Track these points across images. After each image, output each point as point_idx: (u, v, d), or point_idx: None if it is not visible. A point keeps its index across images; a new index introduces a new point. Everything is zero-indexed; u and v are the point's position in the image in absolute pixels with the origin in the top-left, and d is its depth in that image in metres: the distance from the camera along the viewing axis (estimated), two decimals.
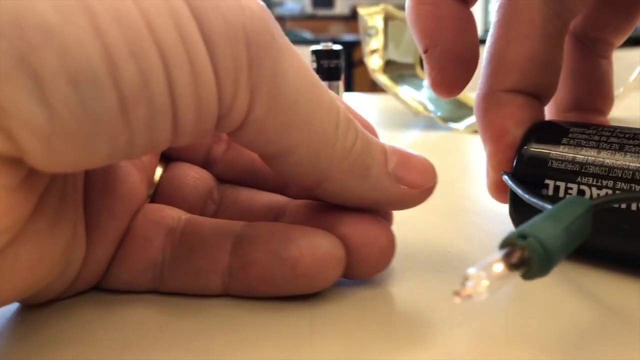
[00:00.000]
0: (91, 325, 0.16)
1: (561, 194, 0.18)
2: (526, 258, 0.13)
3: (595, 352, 0.14)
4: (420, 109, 0.48)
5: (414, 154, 0.17)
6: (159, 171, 0.20)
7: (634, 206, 0.17)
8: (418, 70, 0.57)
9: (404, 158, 0.17)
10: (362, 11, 0.55)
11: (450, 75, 0.21)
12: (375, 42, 0.53)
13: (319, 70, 0.39)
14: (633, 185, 0.17)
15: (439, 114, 0.48)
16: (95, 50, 0.11)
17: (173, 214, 0.18)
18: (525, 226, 0.13)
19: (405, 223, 0.24)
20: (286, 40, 0.15)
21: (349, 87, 2.39)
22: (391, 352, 0.14)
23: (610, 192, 0.17)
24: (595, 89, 0.26)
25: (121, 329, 0.16)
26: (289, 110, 0.15)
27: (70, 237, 0.15)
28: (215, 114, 0.14)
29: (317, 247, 0.16)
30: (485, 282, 0.12)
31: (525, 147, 0.19)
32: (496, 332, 0.15)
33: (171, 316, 0.16)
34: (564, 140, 0.19)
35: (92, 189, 0.17)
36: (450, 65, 0.21)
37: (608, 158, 0.17)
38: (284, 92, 0.14)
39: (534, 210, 0.16)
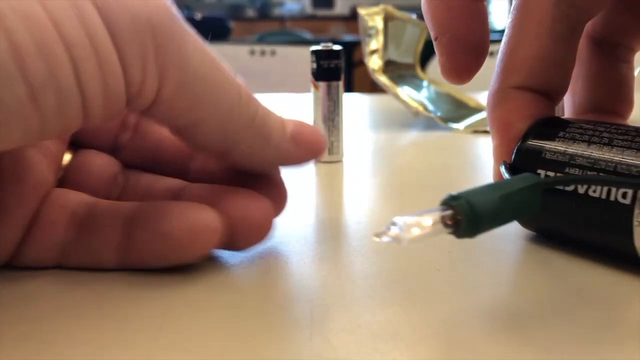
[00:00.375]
0: (91, 325, 0.16)
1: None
2: (457, 218, 0.14)
3: (594, 352, 0.14)
4: (420, 109, 0.48)
5: (306, 123, 0.20)
6: (67, 157, 0.21)
7: (612, 196, 0.17)
8: (418, 70, 0.57)
9: (299, 126, 0.20)
10: (362, 11, 0.55)
11: (458, 62, 0.23)
12: (375, 43, 0.53)
13: (319, 70, 0.39)
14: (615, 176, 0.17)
15: (438, 114, 0.48)
16: (3, 47, 0.13)
17: (77, 198, 0.20)
18: (465, 190, 0.14)
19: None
20: (188, 27, 0.17)
21: (349, 88, 2.39)
22: (391, 352, 0.14)
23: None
24: (614, 92, 0.26)
25: (121, 329, 0.16)
26: (196, 87, 0.17)
27: None
28: (123, 98, 0.16)
29: (191, 220, 0.18)
30: (415, 230, 0.14)
31: (524, 141, 0.20)
32: (496, 333, 0.15)
33: (171, 316, 0.16)
34: (560, 134, 0.20)
35: (1, 176, 0.18)
36: (459, 52, 0.23)
37: (595, 151, 0.18)
38: (191, 73, 0.16)
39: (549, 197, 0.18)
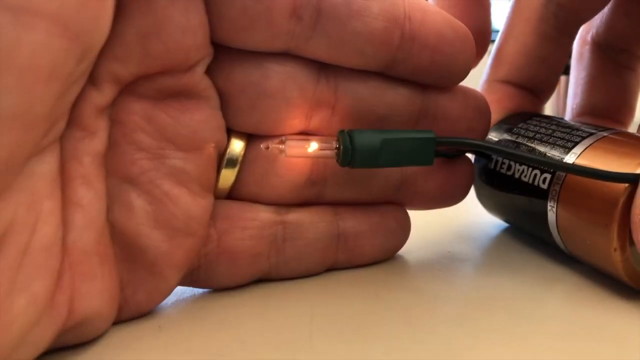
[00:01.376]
0: None
1: (498, 167, 0.21)
2: (338, 147, 0.17)
3: (594, 351, 0.14)
4: None
5: None
6: (238, 147, 0.17)
7: (536, 181, 0.19)
8: None
9: None
10: None
11: None
12: None
13: None
14: (538, 166, 0.19)
15: None
16: None
17: (268, 219, 0.18)
18: (359, 129, 0.17)
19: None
20: None
21: None
22: (391, 352, 0.14)
23: (525, 169, 0.20)
24: (613, 97, 0.26)
25: (121, 329, 0.16)
26: None
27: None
28: None
29: (406, 230, 0.20)
30: (300, 150, 0.17)
31: (490, 130, 0.22)
32: (496, 332, 0.15)
33: (170, 316, 0.16)
34: (516, 128, 0.21)
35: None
36: None
37: (533, 144, 0.20)
38: None
39: (488, 184, 0.22)
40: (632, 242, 0.16)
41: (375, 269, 0.20)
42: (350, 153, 0.16)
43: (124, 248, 0.16)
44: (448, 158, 0.20)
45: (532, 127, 0.21)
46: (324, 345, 0.15)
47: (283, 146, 0.16)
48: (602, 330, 0.15)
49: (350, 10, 0.16)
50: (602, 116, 0.26)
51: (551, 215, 0.19)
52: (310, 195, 0.19)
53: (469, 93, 0.19)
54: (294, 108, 0.17)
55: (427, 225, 0.24)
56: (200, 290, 0.18)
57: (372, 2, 0.16)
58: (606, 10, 0.25)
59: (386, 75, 0.18)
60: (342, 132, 0.17)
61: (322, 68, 0.17)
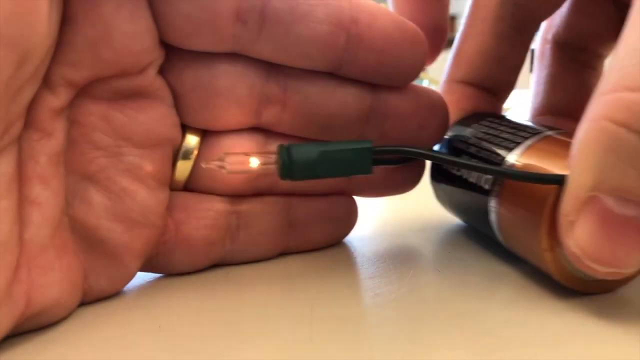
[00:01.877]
0: (91, 325, 0.16)
1: (449, 167, 0.22)
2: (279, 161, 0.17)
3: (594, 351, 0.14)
4: None
5: None
6: (192, 142, 0.18)
7: (481, 182, 0.19)
8: None
9: None
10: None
11: None
12: None
13: None
14: (484, 164, 0.19)
15: None
16: None
17: (222, 209, 0.19)
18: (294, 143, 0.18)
19: (405, 223, 0.24)
20: None
21: None
22: (391, 352, 0.14)
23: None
24: (573, 96, 0.26)
25: (121, 329, 0.16)
26: None
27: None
28: None
29: (352, 218, 0.22)
30: (241, 166, 0.17)
31: (449, 130, 0.22)
32: (496, 332, 0.15)
33: (171, 316, 0.16)
34: (472, 126, 0.21)
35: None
36: None
37: (481, 145, 0.20)
38: None
39: (442, 183, 0.22)
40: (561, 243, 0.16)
41: (374, 269, 0.20)
42: (288, 166, 0.17)
43: (86, 240, 0.17)
44: (391, 165, 0.20)
45: (483, 127, 0.21)
46: (324, 345, 0.15)
47: (223, 163, 0.17)
48: (539, 331, 0.15)
49: (295, 15, 0.17)
50: (562, 115, 0.26)
51: (493, 216, 0.19)
52: (263, 186, 0.20)
53: (421, 91, 0.20)
54: (243, 105, 0.18)
55: (427, 226, 0.24)
56: (200, 291, 0.18)
57: (317, 6, 0.17)
58: (565, 9, 0.25)
59: (335, 75, 0.18)
60: (281, 146, 0.17)
61: (272, 67, 0.18)
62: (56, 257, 0.16)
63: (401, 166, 0.21)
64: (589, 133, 0.14)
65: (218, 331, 0.16)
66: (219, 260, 0.20)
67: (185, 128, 0.18)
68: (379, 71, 0.18)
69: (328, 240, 0.21)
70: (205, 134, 0.19)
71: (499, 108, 0.24)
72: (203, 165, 0.18)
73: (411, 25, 0.18)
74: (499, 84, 0.23)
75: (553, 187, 0.16)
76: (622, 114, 0.13)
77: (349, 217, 0.22)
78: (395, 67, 0.18)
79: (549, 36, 0.26)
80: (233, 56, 0.17)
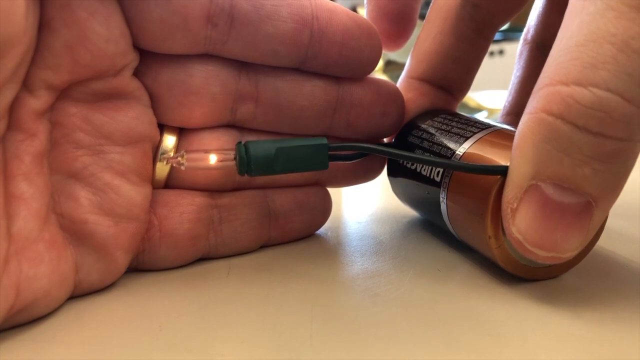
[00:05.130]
0: (91, 325, 0.16)
1: (403, 161, 0.22)
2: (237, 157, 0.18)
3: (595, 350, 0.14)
4: None
5: None
6: (170, 142, 0.19)
7: (432, 175, 0.20)
8: None
9: None
10: (362, 11, 0.55)
11: (381, 29, 0.24)
12: None
13: None
14: (432, 157, 0.20)
15: None
16: None
17: (204, 204, 0.20)
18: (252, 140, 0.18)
19: (405, 223, 0.24)
20: None
21: None
22: (391, 352, 0.14)
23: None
24: None
25: (121, 329, 0.16)
26: None
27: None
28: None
29: (327, 207, 0.23)
30: (200, 163, 0.18)
31: (404, 126, 0.23)
32: (496, 332, 0.15)
33: (171, 316, 0.16)
34: (427, 122, 0.22)
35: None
36: (380, 19, 0.24)
37: (433, 139, 0.21)
38: None
39: (397, 177, 0.23)
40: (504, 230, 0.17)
41: (375, 269, 0.20)
42: (245, 162, 0.18)
43: (74, 235, 0.17)
44: (346, 161, 0.21)
45: (436, 123, 0.22)
46: (324, 345, 0.15)
47: (182, 160, 0.18)
48: (539, 328, 0.15)
49: (261, 15, 0.18)
50: None
51: (443, 206, 0.20)
52: (242, 180, 0.21)
53: (380, 82, 0.22)
54: (218, 103, 0.19)
55: (427, 225, 0.24)
56: (200, 291, 0.18)
57: (281, 6, 0.18)
58: (542, 9, 0.25)
59: (302, 70, 0.20)
60: (239, 143, 0.18)
61: (243, 66, 0.19)
62: (46, 250, 0.16)
63: (362, 161, 0.22)
64: (528, 125, 0.15)
65: (218, 331, 0.16)
66: (205, 254, 0.20)
67: (163, 128, 0.19)
68: (341, 63, 0.20)
69: (307, 229, 0.22)
70: (183, 133, 0.19)
71: (455, 106, 0.25)
72: (164, 163, 0.19)
73: (366, 20, 0.20)
74: (455, 83, 0.24)
75: (497, 177, 0.17)
76: (557, 106, 0.14)
77: (324, 206, 0.23)
78: (356, 58, 0.20)
79: (528, 37, 0.26)
80: (205, 57, 0.18)
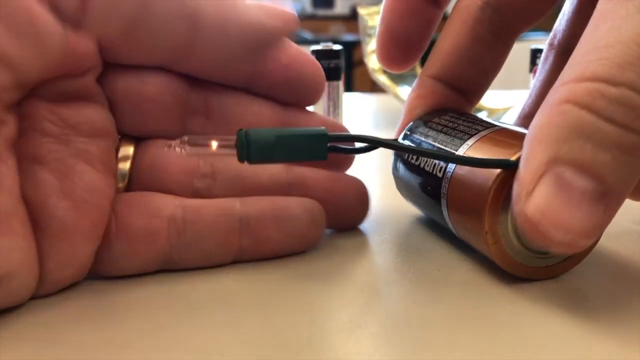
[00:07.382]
0: (91, 325, 0.16)
1: (408, 157, 0.23)
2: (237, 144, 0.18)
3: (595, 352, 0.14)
4: None
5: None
6: (128, 151, 0.20)
7: (434, 170, 0.20)
8: (418, 70, 0.57)
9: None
10: (362, 11, 0.55)
11: (388, 53, 0.25)
12: (375, 42, 0.53)
13: None
14: (433, 150, 0.21)
15: None
16: None
17: (166, 202, 0.19)
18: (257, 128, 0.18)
19: (405, 223, 0.24)
20: None
21: (349, 87, 2.39)
22: (391, 352, 0.14)
23: (428, 158, 0.21)
24: None
25: (121, 329, 0.16)
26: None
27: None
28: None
29: (316, 219, 0.21)
30: (202, 149, 0.18)
31: (410, 123, 0.23)
32: (496, 332, 0.15)
33: (171, 316, 0.16)
34: (434, 120, 0.22)
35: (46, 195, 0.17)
36: (389, 44, 0.24)
37: (438, 136, 0.21)
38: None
39: (402, 174, 0.23)
40: (502, 227, 0.17)
41: (375, 269, 0.20)
42: (245, 149, 0.18)
43: (34, 219, 0.17)
44: (346, 153, 0.21)
45: (443, 121, 0.22)
46: (324, 345, 0.15)
47: (184, 145, 0.18)
48: (538, 330, 0.15)
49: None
50: None
51: (443, 202, 0.20)
52: (202, 188, 0.20)
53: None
54: (170, 112, 0.20)
55: (427, 225, 0.24)
56: (200, 291, 0.18)
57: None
58: (570, 14, 0.25)
59: (249, 90, 0.21)
60: (240, 130, 0.18)
61: (194, 81, 0.20)
62: (20, 225, 0.16)
63: (337, 163, 0.22)
64: (551, 114, 0.15)
65: (218, 331, 0.16)
66: (166, 256, 0.19)
67: (121, 138, 0.20)
68: (286, 87, 0.21)
69: (286, 240, 0.20)
70: (138, 143, 0.20)
71: (468, 109, 0.24)
72: (165, 147, 0.19)
73: (311, 57, 0.21)
74: (469, 85, 0.24)
75: (495, 173, 0.17)
76: (582, 98, 0.15)
77: (311, 217, 0.21)
78: (301, 84, 0.21)
79: (555, 42, 0.26)
80: (158, 69, 0.19)
